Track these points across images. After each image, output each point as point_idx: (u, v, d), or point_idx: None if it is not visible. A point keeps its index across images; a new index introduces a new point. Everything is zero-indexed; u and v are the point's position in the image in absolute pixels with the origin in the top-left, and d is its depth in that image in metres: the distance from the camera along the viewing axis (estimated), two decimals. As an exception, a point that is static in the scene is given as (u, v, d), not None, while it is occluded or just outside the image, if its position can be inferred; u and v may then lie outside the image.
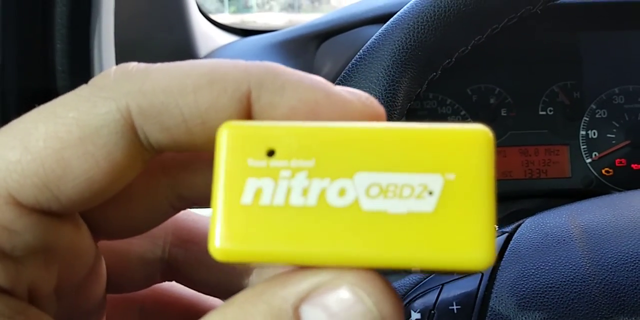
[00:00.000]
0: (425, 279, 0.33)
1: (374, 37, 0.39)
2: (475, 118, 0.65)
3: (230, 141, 0.14)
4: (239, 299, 0.13)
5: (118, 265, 0.19)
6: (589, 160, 0.65)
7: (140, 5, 0.65)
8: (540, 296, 0.30)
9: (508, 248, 0.33)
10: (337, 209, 0.13)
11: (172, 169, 0.17)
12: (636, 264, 0.30)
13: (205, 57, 0.68)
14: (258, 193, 0.13)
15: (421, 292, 0.33)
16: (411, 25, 0.38)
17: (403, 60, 0.37)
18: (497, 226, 0.16)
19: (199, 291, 0.21)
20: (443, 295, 0.32)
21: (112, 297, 0.20)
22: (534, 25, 0.59)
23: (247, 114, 0.15)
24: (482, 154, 0.13)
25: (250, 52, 0.67)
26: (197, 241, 0.20)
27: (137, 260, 0.20)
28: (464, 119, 0.65)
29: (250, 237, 0.13)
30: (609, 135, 0.65)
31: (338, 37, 0.63)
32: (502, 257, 0.32)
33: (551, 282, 0.30)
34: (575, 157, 0.65)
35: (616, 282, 0.29)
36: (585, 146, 0.65)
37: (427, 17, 0.38)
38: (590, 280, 0.30)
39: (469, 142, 0.13)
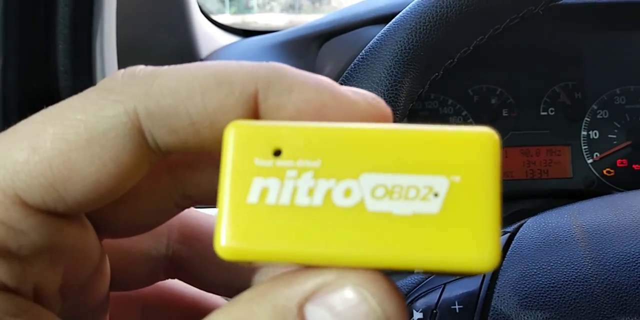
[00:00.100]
0: (427, 278, 0.34)
1: (376, 37, 0.39)
2: (476, 118, 0.65)
3: (237, 140, 0.14)
4: (243, 298, 0.13)
5: (122, 263, 0.19)
6: (590, 161, 0.65)
7: (142, 5, 0.65)
8: (542, 296, 0.30)
9: (510, 248, 0.33)
10: (343, 209, 0.13)
11: (177, 168, 0.17)
12: (638, 264, 0.30)
13: (207, 57, 0.68)
14: (264, 192, 0.13)
15: (423, 292, 0.33)
16: (413, 26, 0.38)
17: (405, 60, 0.37)
18: (499, 227, 0.16)
19: (201, 289, 0.21)
20: (445, 295, 0.32)
21: (116, 294, 0.20)
22: (536, 26, 0.59)
23: (255, 115, 0.15)
24: (488, 156, 0.13)
25: (251, 53, 0.67)
26: (201, 238, 0.20)
27: (141, 257, 0.20)
28: (465, 120, 0.65)
29: (255, 236, 0.13)
30: (610, 136, 0.65)
31: (340, 38, 0.63)
32: (504, 257, 0.32)
33: (553, 282, 0.30)
34: (576, 158, 0.65)
35: (618, 282, 0.29)
36: (586, 147, 0.65)
37: (429, 18, 0.38)
38: (592, 280, 0.30)
39: (475, 145, 0.13)
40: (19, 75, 0.40)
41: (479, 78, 0.65)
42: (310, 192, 0.13)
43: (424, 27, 0.38)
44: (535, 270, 0.31)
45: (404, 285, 0.34)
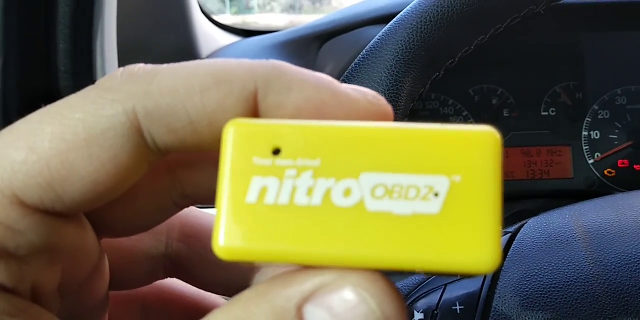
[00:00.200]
0: (428, 279, 0.33)
1: (377, 37, 0.39)
2: (477, 119, 0.65)
3: (236, 139, 0.14)
4: (242, 298, 0.13)
5: (121, 262, 0.19)
6: (591, 161, 0.65)
7: (142, 5, 0.65)
8: (543, 296, 0.30)
9: (511, 248, 0.33)
10: (342, 209, 0.13)
11: (176, 168, 0.17)
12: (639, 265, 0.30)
13: (208, 57, 0.68)
14: (263, 192, 0.13)
15: (424, 293, 0.33)
16: (414, 25, 0.38)
17: (406, 60, 0.37)
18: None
19: (200, 288, 0.21)
20: (446, 296, 0.32)
21: (115, 294, 0.20)
22: (537, 26, 0.59)
23: (254, 114, 0.15)
24: (489, 156, 0.13)
25: (252, 53, 0.67)
26: (201, 238, 0.20)
27: (140, 256, 0.20)
28: (466, 120, 0.65)
29: (254, 236, 0.13)
30: (611, 136, 0.65)
31: (340, 38, 0.63)
32: (506, 258, 0.32)
33: (555, 282, 0.30)
34: (577, 158, 0.65)
35: (620, 282, 0.29)
36: (587, 147, 0.65)
37: (430, 17, 0.38)
38: (593, 280, 0.30)
39: (476, 144, 0.13)
40: (19, 75, 0.40)
41: (480, 78, 0.65)
42: (310, 191, 0.13)
43: (425, 27, 0.37)
44: (536, 271, 0.31)
45: (405, 286, 0.34)
